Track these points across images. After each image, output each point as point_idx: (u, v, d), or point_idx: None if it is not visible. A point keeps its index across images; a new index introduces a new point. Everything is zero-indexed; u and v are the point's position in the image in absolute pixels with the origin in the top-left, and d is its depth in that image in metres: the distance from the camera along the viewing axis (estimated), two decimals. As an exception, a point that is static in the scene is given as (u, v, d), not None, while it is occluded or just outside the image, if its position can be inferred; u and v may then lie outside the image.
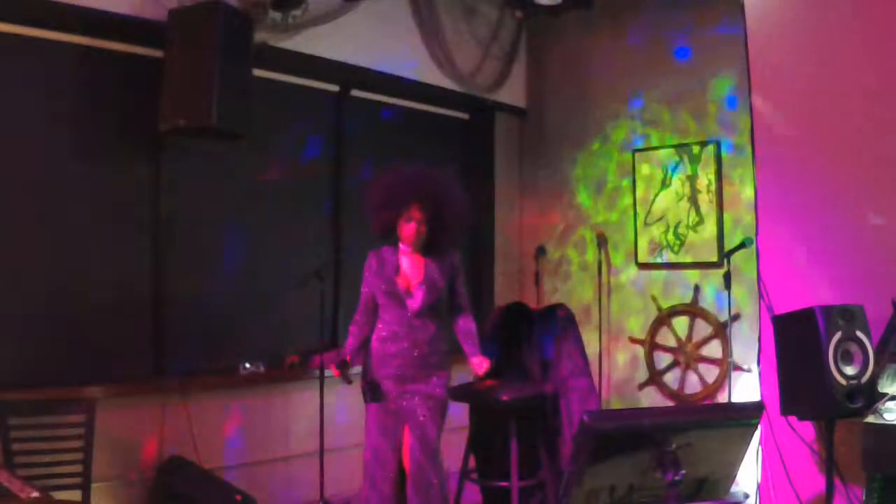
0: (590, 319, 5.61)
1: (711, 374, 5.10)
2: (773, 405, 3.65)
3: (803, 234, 3.99)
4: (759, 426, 3.15)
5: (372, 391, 3.65)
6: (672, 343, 5.30)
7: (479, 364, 3.71)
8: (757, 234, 4.19)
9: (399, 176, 3.69)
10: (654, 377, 5.36)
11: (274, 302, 4.68)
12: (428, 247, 3.71)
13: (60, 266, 3.88)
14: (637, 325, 5.48)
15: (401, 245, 3.72)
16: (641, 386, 5.43)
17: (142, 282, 4.17)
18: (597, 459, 2.02)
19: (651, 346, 5.39)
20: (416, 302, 3.63)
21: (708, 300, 5.14)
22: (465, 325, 3.81)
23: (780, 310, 3.85)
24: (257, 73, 4.26)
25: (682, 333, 5.25)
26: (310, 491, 4.43)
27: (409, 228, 3.62)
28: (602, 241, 5.60)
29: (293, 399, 4.64)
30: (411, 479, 3.60)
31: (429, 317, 3.65)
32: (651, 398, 5.36)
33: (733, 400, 4.55)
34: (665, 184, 5.34)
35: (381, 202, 3.67)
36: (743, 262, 4.70)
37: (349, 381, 3.68)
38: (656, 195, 5.38)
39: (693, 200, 5.21)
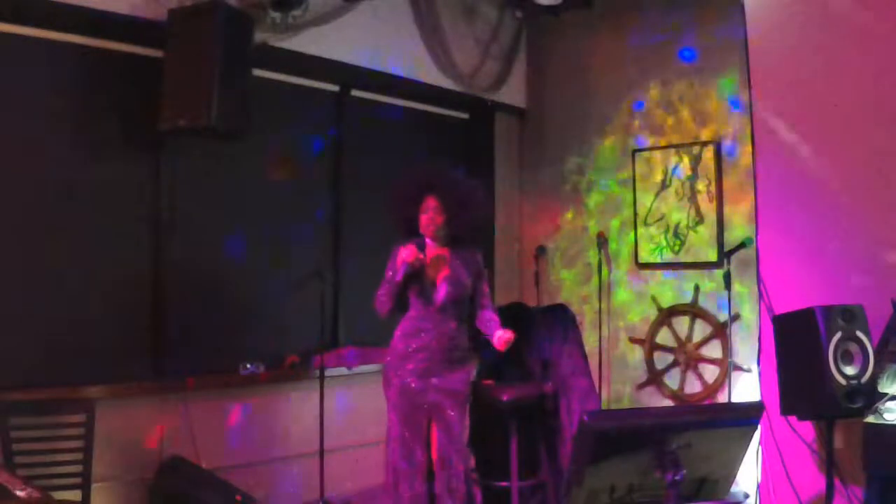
0: (590, 319, 5.61)
1: (711, 374, 5.10)
2: (773, 405, 3.66)
3: (803, 234, 3.99)
4: (759, 426, 3.16)
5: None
6: (672, 343, 5.29)
7: (502, 335, 3.62)
8: (757, 234, 4.19)
9: (413, 172, 3.82)
10: (654, 377, 5.36)
11: (274, 302, 4.68)
12: (452, 243, 3.77)
13: (60, 266, 3.87)
14: (637, 326, 5.48)
15: (427, 241, 3.78)
16: (641, 386, 5.43)
17: (142, 282, 4.17)
18: (597, 459, 2.02)
19: (651, 346, 5.38)
20: (440, 296, 3.68)
21: (708, 300, 5.14)
22: (489, 315, 3.81)
23: (780, 310, 3.85)
24: (257, 73, 4.26)
25: (682, 333, 5.24)
26: (310, 491, 4.43)
27: (425, 219, 3.69)
28: (602, 242, 5.60)
29: (293, 399, 4.64)
30: (440, 472, 3.67)
31: (451, 312, 3.72)
32: (651, 398, 5.36)
33: (733, 400, 4.55)
34: (665, 184, 5.34)
35: (399, 198, 3.79)
36: (742, 263, 4.71)
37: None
38: (656, 195, 5.38)
39: (693, 200, 5.21)
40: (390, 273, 3.74)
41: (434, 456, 3.69)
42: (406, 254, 3.58)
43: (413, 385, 3.67)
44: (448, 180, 3.73)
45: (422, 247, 3.68)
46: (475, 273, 3.80)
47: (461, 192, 3.73)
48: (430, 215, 3.69)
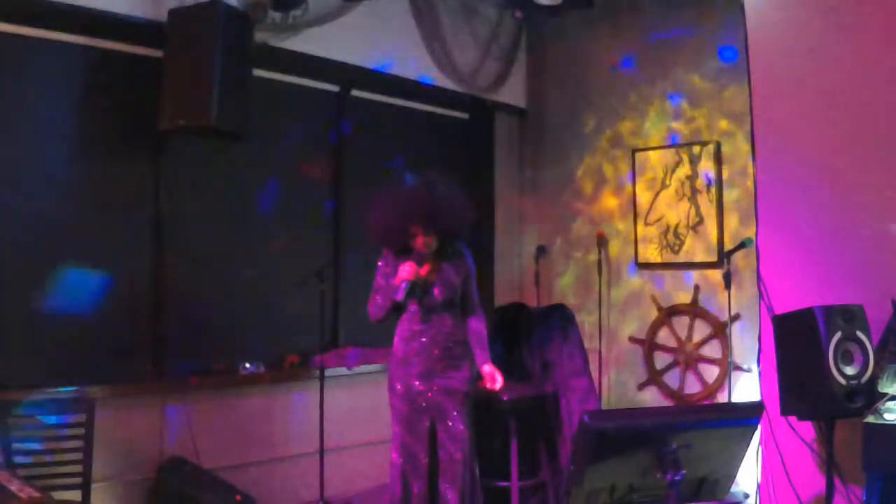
0: (590, 319, 5.61)
1: (711, 374, 5.10)
2: (773, 405, 3.66)
3: (803, 234, 3.99)
4: (759, 426, 3.16)
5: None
6: (672, 343, 5.29)
7: (492, 378, 3.75)
8: (757, 234, 4.19)
9: (389, 204, 3.72)
10: (654, 377, 5.36)
11: (274, 302, 4.68)
12: (442, 246, 3.76)
13: (60, 266, 3.87)
14: (637, 325, 5.48)
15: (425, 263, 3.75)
16: (641, 386, 5.43)
17: (142, 282, 4.17)
18: (597, 459, 2.03)
19: (651, 346, 5.38)
20: (433, 299, 3.70)
21: (708, 300, 5.14)
22: (476, 327, 3.84)
23: (780, 310, 3.85)
24: (257, 73, 4.26)
25: (682, 333, 5.24)
26: (310, 491, 4.43)
27: (416, 245, 3.67)
28: (602, 242, 5.60)
29: (293, 399, 4.64)
30: (443, 471, 3.66)
31: (446, 311, 3.72)
32: (651, 398, 5.36)
33: (733, 400, 4.55)
34: (665, 184, 5.34)
35: (384, 233, 3.73)
36: (743, 262, 4.71)
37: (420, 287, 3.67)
38: (656, 195, 5.38)
39: (693, 200, 5.21)
40: (381, 280, 3.72)
41: (439, 456, 3.70)
42: (406, 272, 3.56)
43: (417, 387, 3.68)
44: (423, 206, 3.62)
45: (421, 261, 3.66)
46: (463, 274, 3.78)
47: (441, 209, 3.65)
48: (420, 241, 3.65)
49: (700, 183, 5.16)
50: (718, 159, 5.11)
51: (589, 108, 5.77)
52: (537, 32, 6.07)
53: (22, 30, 3.76)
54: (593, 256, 5.66)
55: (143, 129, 4.00)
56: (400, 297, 3.58)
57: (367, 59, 5.02)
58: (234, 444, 4.37)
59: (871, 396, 3.33)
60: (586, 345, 4.95)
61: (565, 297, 5.78)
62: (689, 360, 5.20)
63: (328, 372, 4.48)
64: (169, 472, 3.96)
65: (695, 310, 5.18)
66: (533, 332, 4.72)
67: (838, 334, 3.38)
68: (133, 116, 4.06)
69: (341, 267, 5.02)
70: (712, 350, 5.11)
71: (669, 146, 5.35)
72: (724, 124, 5.12)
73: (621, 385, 5.53)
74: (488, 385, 3.76)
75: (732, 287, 4.52)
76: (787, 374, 3.61)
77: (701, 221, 5.17)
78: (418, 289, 3.67)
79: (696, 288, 5.19)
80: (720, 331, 5.00)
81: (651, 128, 5.47)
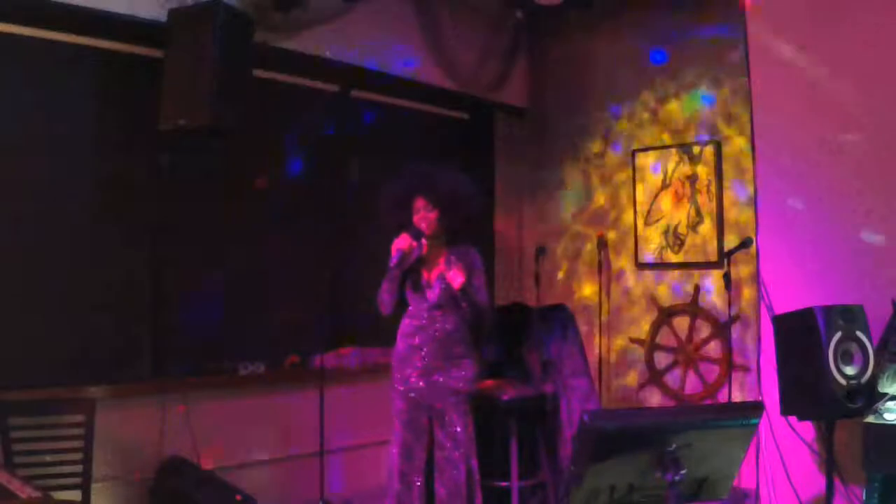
0: (590, 319, 5.61)
1: (711, 374, 5.10)
2: (773, 405, 3.66)
3: (803, 234, 3.99)
4: (759, 426, 3.16)
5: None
6: (672, 343, 5.29)
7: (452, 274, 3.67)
8: (757, 234, 4.19)
9: (398, 178, 3.84)
10: (654, 377, 5.36)
11: (274, 302, 4.68)
12: (449, 240, 3.80)
13: (60, 266, 3.88)
14: (637, 325, 5.48)
15: (423, 240, 3.80)
16: (641, 386, 5.43)
17: (142, 282, 4.17)
18: (597, 459, 2.03)
19: (651, 346, 5.38)
20: (434, 294, 3.72)
21: (708, 300, 5.14)
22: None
23: (780, 310, 3.86)
24: (257, 73, 4.26)
25: (682, 333, 5.24)
26: (310, 491, 4.43)
27: (417, 220, 3.72)
28: (602, 242, 5.60)
29: (293, 399, 4.64)
30: (439, 470, 3.69)
31: (450, 308, 3.74)
32: (651, 398, 5.36)
33: (733, 400, 4.55)
34: (665, 184, 5.34)
35: (390, 206, 3.82)
36: (743, 262, 4.71)
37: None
38: (656, 195, 5.38)
39: (693, 200, 5.21)
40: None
41: (435, 455, 3.70)
42: (399, 242, 3.64)
43: (416, 384, 3.68)
44: (429, 178, 3.75)
45: (417, 236, 3.70)
46: (468, 268, 3.79)
47: (446, 186, 3.74)
48: (421, 215, 3.73)
49: (700, 183, 5.16)
50: (718, 159, 5.11)
51: (589, 107, 5.77)
52: (537, 32, 6.07)
53: (22, 30, 3.76)
54: (593, 257, 5.65)
55: (143, 129, 4.00)
56: (393, 263, 3.64)
57: (367, 59, 5.02)
58: (234, 444, 4.37)
59: (871, 396, 3.34)
60: (586, 345, 4.96)
61: (565, 297, 5.78)
62: (689, 360, 5.20)
63: (328, 372, 4.48)
64: (169, 472, 3.96)
65: (695, 310, 5.18)
66: (533, 333, 4.73)
67: (838, 334, 3.38)
68: (133, 116, 4.06)
69: (341, 267, 5.02)
70: (712, 350, 5.11)
71: (669, 146, 5.34)
72: (724, 124, 5.12)
73: (621, 385, 5.53)
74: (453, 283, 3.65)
75: (732, 287, 4.52)
76: (787, 374, 3.61)
77: (701, 221, 5.17)
78: (415, 274, 3.68)
79: (696, 288, 5.19)
80: (720, 331, 5.00)
81: (651, 127, 5.47)
